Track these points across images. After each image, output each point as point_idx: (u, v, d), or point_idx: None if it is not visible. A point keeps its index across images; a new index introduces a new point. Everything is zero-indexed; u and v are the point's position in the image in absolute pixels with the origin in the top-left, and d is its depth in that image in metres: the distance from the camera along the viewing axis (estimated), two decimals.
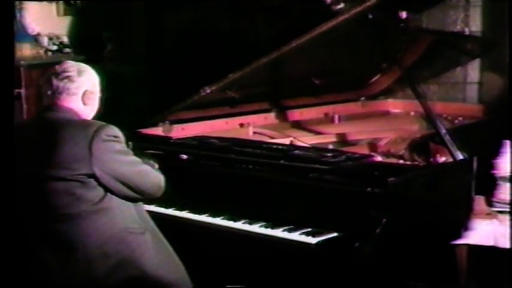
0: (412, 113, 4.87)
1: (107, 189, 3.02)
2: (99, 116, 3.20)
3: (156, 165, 3.28)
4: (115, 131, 3.05)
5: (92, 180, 2.97)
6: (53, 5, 6.77)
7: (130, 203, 3.10)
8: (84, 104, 3.13)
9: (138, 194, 3.10)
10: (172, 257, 3.15)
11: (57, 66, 3.15)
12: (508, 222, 3.66)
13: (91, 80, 3.18)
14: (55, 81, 3.10)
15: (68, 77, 3.10)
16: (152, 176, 3.17)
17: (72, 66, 3.15)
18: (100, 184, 2.99)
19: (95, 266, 2.95)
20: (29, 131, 3.15)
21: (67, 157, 2.95)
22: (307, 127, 4.62)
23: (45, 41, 6.62)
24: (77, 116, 3.10)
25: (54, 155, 2.96)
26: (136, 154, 3.17)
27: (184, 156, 3.69)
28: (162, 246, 3.14)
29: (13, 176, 2.97)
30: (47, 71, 3.17)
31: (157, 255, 3.08)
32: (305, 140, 4.19)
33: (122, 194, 3.05)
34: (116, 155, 3.03)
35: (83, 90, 3.12)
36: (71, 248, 2.96)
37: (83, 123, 3.07)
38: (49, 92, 3.11)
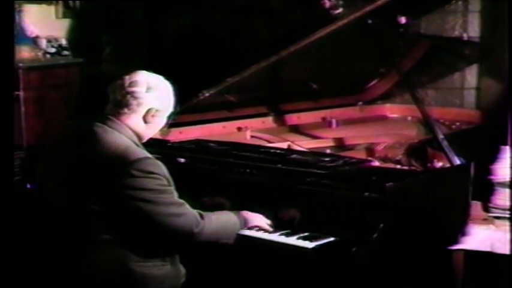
0: (410, 118, 4.88)
1: (125, 225, 2.85)
2: None
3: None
4: (150, 166, 2.84)
5: (110, 211, 2.82)
6: (52, 8, 6.77)
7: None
8: (146, 122, 2.96)
9: (159, 235, 2.89)
10: (179, 278, 3.06)
11: (127, 77, 2.95)
12: (504, 228, 3.66)
13: (160, 97, 2.98)
14: (119, 94, 2.93)
15: (132, 93, 2.92)
16: (183, 221, 2.90)
17: (142, 82, 2.94)
18: (117, 218, 2.83)
19: None
20: (73, 139, 2.98)
21: (92, 183, 2.82)
22: (304, 131, 4.63)
23: (43, 43, 6.62)
24: (134, 134, 2.93)
25: (82, 177, 2.84)
26: None
27: (182, 160, 3.69)
28: (174, 273, 3.02)
29: (13, 176, 2.94)
30: (116, 79, 2.97)
31: (166, 284, 2.96)
32: (303, 144, 4.20)
33: (138, 234, 2.87)
34: (143, 193, 2.81)
35: (146, 108, 2.94)
36: (75, 272, 2.88)
37: (123, 151, 2.85)
38: (111, 102, 2.95)
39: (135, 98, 2.92)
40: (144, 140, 3.05)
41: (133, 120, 2.94)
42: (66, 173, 2.91)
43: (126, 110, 2.93)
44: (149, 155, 2.89)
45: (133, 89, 2.92)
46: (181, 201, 2.96)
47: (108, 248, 2.87)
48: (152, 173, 2.83)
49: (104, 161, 2.83)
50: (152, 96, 2.95)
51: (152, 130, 3.03)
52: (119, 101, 2.93)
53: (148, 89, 2.94)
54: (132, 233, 2.87)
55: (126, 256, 2.88)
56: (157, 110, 2.97)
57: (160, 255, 2.98)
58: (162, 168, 2.88)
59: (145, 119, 2.96)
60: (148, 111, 2.95)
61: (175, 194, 2.94)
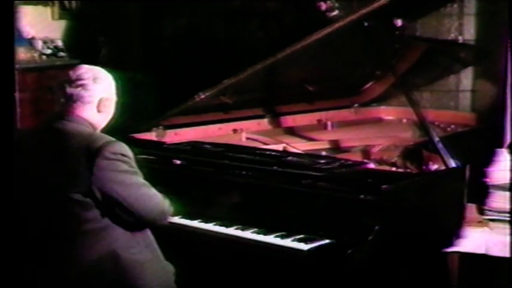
0: (405, 121, 4.89)
1: (106, 211, 2.89)
2: None
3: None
4: (121, 148, 2.91)
5: (90, 199, 2.85)
6: (48, 9, 6.78)
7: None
8: (99, 111, 3.03)
9: (138, 220, 2.94)
10: (168, 274, 3.09)
11: (71, 72, 3.01)
12: (499, 231, 3.66)
13: (107, 86, 3.06)
14: (69, 89, 2.98)
15: (82, 85, 2.98)
16: (156, 201, 3.00)
17: (87, 73, 3.02)
18: (98, 204, 2.87)
19: (88, 284, 2.89)
20: (36, 140, 3.04)
21: (68, 173, 2.86)
22: (300, 133, 4.63)
23: (39, 44, 6.63)
24: (89, 124, 3.00)
25: (56, 169, 2.88)
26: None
27: (178, 162, 3.69)
28: (160, 266, 3.06)
29: (13, 178, 2.95)
30: (60, 77, 3.05)
31: (154, 275, 3.00)
32: (298, 146, 4.20)
33: (119, 218, 2.90)
34: (118, 175, 2.88)
35: (98, 98, 3.01)
36: (64, 265, 2.90)
37: (90, 138, 2.93)
38: (62, 100, 2.99)
39: (86, 90, 2.99)
40: (98, 130, 3.10)
41: (88, 111, 3.01)
42: (42, 172, 2.93)
43: (79, 103, 2.99)
44: (114, 139, 2.96)
45: (82, 82, 2.99)
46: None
47: (94, 236, 2.90)
48: (123, 155, 2.91)
49: (74, 150, 2.89)
50: (100, 86, 3.03)
51: (105, 119, 3.10)
52: (69, 96, 2.99)
53: (94, 79, 3.02)
54: (115, 218, 2.92)
55: (112, 243, 2.92)
56: (107, 99, 3.05)
57: (144, 240, 3.03)
58: (129, 151, 2.97)
59: (98, 109, 3.03)
60: (100, 100, 3.03)
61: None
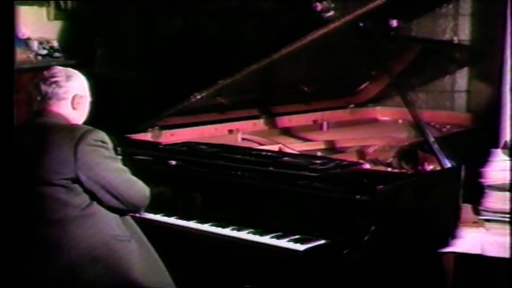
0: (401, 121, 4.89)
1: (92, 196, 3.01)
2: (89, 120, 3.21)
3: None
4: (102, 136, 3.06)
5: (76, 185, 2.98)
6: (44, 9, 6.76)
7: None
8: (74, 108, 3.15)
9: (122, 204, 3.07)
10: (158, 264, 3.15)
11: (45, 72, 3.17)
12: (494, 231, 3.67)
13: (80, 84, 3.19)
14: (43, 87, 3.13)
15: (56, 82, 3.12)
16: (139, 186, 3.14)
17: (60, 72, 3.16)
18: (85, 190, 2.99)
19: (81, 271, 2.94)
20: (18, 136, 3.12)
21: (53, 161, 2.96)
22: (296, 134, 4.63)
23: (35, 45, 6.61)
24: (66, 120, 3.11)
25: (40, 159, 2.97)
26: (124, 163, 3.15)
27: (173, 162, 3.69)
28: (148, 254, 3.13)
29: (13, 177, 2.98)
30: (35, 77, 3.19)
31: (144, 262, 3.07)
32: (294, 146, 4.20)
33: (105, 202, 3.03)
34: (102, 160, 3.02)
35: (72, 95, 3.14)
36: (55, 253, 2.95)
37: (70, 127, 3.09)
38: (38, 98, 3.13)
39: (60, 86, 3.13)
40: None
41: (63, 107, 3.14)
42: (28, 164, 3.01)
43: (54, 100, 3.13)
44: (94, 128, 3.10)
45: (56, 79, 3.15)
46: None
47: (84, 222, 2.99)
48: (104, 142, 3.07)
49: (57, 140, 3.00)
50: (74, 84, 3.17)
51: (80, 117, 3.21)
52: (45, 93, 3.13)
53: (67, 77, 3.16)
54: (103, 205, 3.04)
55: (101, 230, 3.01)
56: (81, 97, 3.18)
57: (129, 229, 3.12)
58: (109, 139, 3.11)
59: (73, 106, 3.16)
60: (74, 97, 3.15)
61: None
